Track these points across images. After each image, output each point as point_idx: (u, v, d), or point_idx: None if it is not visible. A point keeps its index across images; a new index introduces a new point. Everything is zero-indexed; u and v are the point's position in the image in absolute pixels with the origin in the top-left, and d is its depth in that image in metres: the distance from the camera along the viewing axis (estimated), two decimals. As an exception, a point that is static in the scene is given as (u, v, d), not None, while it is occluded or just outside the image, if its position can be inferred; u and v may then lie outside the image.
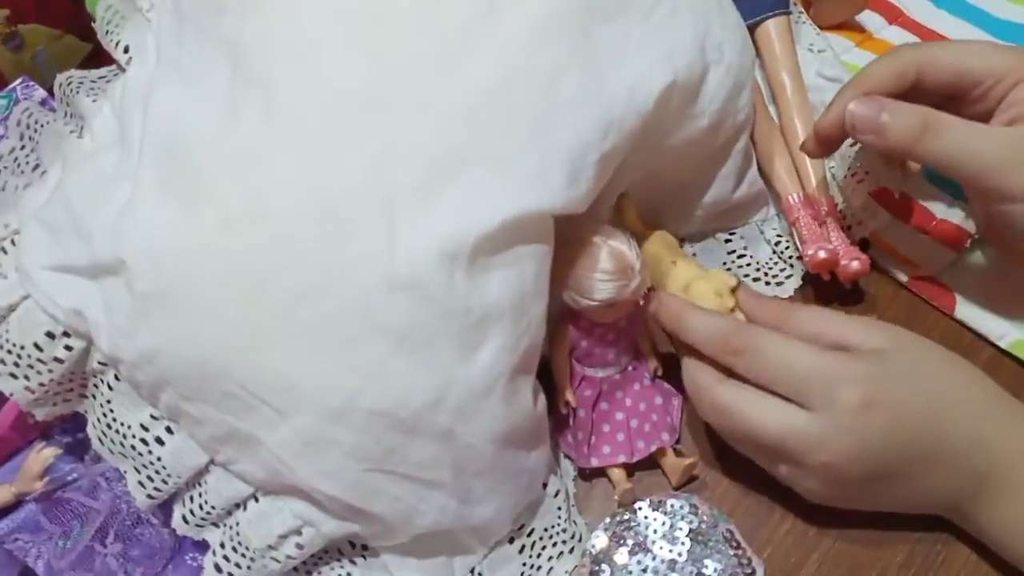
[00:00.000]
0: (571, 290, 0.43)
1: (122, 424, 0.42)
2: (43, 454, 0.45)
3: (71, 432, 0.48)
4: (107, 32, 0.46)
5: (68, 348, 0.41)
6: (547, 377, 0.46)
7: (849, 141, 0.52)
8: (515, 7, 0.40)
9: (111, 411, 0.42)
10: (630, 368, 0.48)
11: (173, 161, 0.39)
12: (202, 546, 0.44)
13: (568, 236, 0.42)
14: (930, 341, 0.42)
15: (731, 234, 0.54)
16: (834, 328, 0.42)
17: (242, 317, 0.38)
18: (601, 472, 0.47)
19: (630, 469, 0.47)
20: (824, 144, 0.47)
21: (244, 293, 0.37)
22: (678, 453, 0.47)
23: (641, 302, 0.46)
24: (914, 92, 0.44)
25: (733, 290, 0.46)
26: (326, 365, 0.37)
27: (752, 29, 0.55)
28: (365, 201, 0.37)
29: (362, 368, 0.37)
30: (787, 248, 0.53)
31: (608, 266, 0.43)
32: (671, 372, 0.47)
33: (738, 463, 0.45)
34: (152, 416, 0.42)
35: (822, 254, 0.49)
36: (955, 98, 0.44)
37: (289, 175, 0.38)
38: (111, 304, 0.40)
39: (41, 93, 0.51)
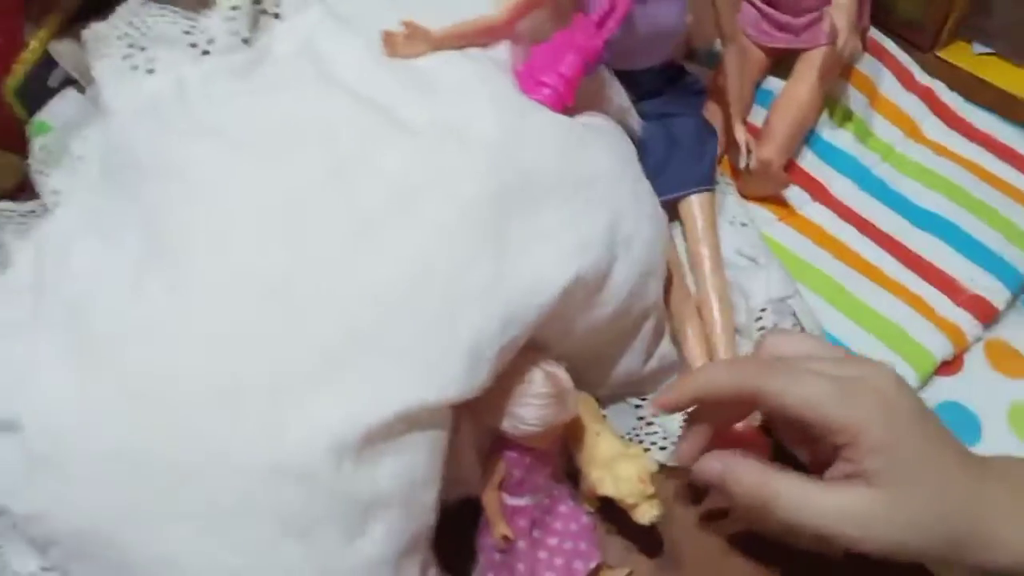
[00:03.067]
0: (511, 418, 0.45)
1: (12, 572, 0.42)
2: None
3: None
4: (39, 172, 0.47)
5: (-39, 495, 0.41)
6: (467, 513, 0.47)
7: (756, 322, 0.54)
8: (434, 196, 0.42)
9: (2, 555, 0.42)
10: (554, 491, 0.49)
11: (77, 324, 0.40)
12: None
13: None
14: None
15: (643, 399, 0.55)
16: None
17: (127, 491, 0.38)
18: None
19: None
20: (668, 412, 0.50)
21: (130, 467, 0.38)
22: (608, 566, 0.49)
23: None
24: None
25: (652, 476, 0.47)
26: (209, 545, 0.38)
27: (676, 201, 0.57)
28: (258, 385, 0.38)
29: (246, 550, 0.38)
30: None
31: (544, 389, 0.44)
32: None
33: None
34: (42, 568, 0.42)
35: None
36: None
37: (186, 353, 0.39)
38: (5, 458, 0.40)
39: (-28, 217, 0.52)
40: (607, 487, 0.47)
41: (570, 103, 0.48)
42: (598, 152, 0.48)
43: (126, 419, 0.38)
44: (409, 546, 0.41)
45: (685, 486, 0.53)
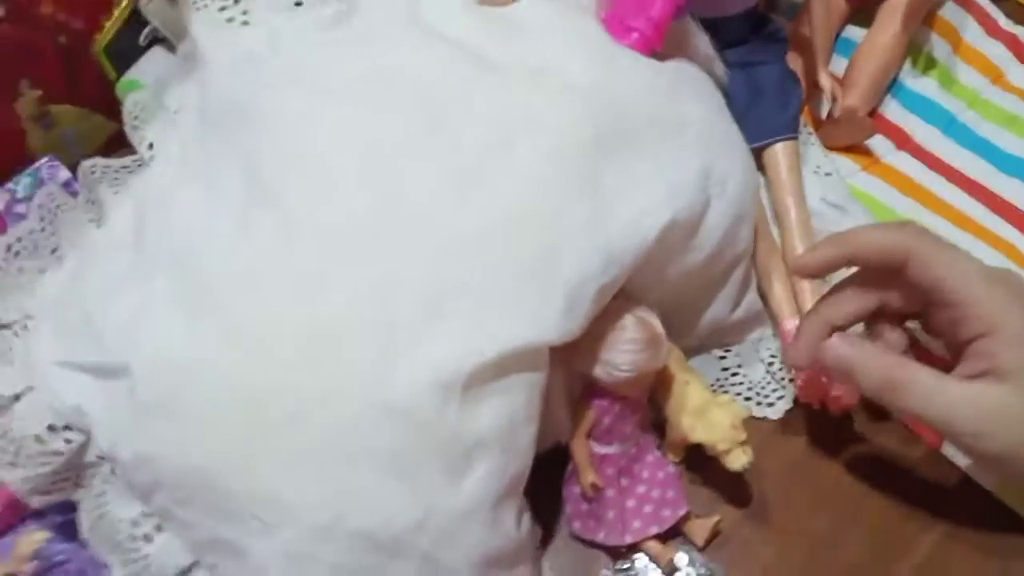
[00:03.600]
0: (604, 364, 0.45)
1: (113, 518, 0.43)
2: (33, 537, 0.46)
3: (63, 512, 0.48)
4: (134, 127, 0.48)
5: (68, 441, 0.43)
6: (554, 460, 0.47)
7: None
8: (529, 139, 0.42)
9: (104, 503, 0.43)
10: (641, 440, 0.49)
11: (185, 272, 0.41)
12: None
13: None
14: None
15: (727, 350, 0.55)
16: None
17: (238, 431, 0.39)
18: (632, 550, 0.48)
19: (662, 539, 0.48)
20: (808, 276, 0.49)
21: (242, 408, 0.39)
22: (696, 515, 0.49)
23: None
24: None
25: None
26: (316, 483, 0.38)
27: (760, 150, 0.57)
28: (365, 326, 0.38)
29: (349, 489, 0.38)
30: (781, 369, 0.54)
31: (638, 335, 0.45)
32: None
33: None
34: (143, 513, 0.43)
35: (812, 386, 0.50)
36: (930, 300, 0.43)
37: (294, 296, 0.39)
38: (113, 405, 0.41)
39: (65, 174, 0.53)
40: (699, 434, 0.47)
41: (659, 48, 0.48)
42: (689, 96, 0.47)
43: (237, 360, 0.39)
44: (508, 489, 0.41)
45: (772, 437, 0.52)
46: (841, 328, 0.46)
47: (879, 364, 0.42)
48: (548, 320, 0.40)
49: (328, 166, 0.41)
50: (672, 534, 0.48)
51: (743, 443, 0.46)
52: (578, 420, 0.47)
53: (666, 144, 0.45)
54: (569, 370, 0.46)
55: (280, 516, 0.39)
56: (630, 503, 0.48)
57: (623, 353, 0.44)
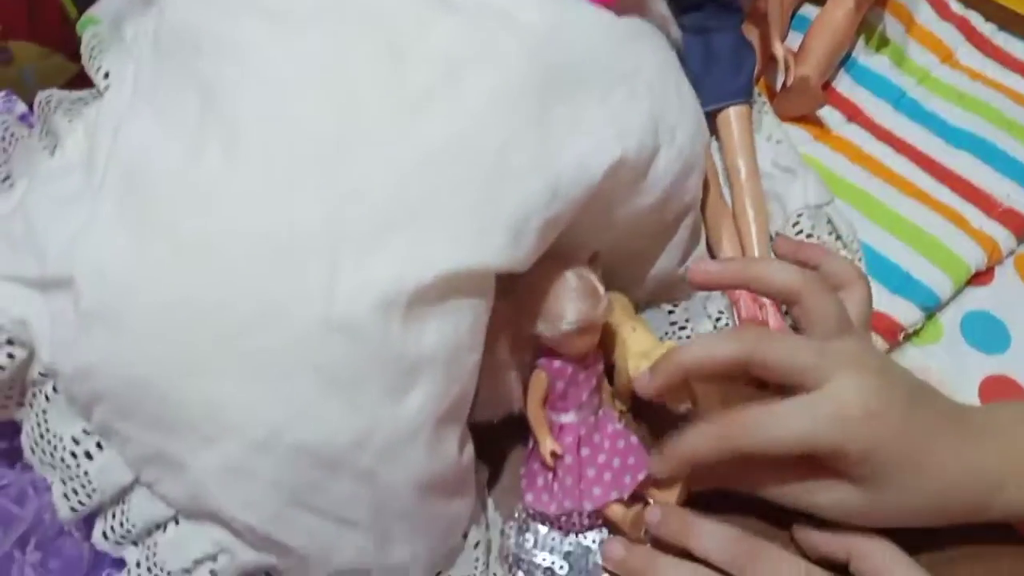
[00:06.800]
0: (548, 318, 0.45)
1: (54, 435, 0.43)
2: (-31, 462, 0.46)
3: (5, 438, 0.48)
4: (91, 57, 0.48)
5: (11, 356, 0.42)
6: (512, 431, 0.48)
7: (793, 227, 0.55)
8: (475, 76, 0.42)
9: (45, 421, 0.43)
10: (600, 412, 0.49)
11: (133, 190, 0.41)
12: (119, 563, 0.44)
13: (534, 278, 0.45)
14: None
15: (675, 305, 0.56)
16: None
17: (179, 342, 0.39)
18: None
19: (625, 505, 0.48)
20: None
21: (184, 319, 0.39)
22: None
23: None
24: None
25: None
26: (256, 397, 0.39)
27: (715, 114, 0.58)
28: (314, 243, 0.39)
29: (291, 403, 0.39)
30: (727, 326, 0.55)
31: (576, 285, 0.45)
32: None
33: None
34: (84, 430, 0.43)
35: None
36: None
37: (243, 214, 0.39)
38: (56, 317, 0.41)
39: (22, 107, 0.53)
40: None
41: (614, 3, 0.48)
42: (642, 48, 0.48)
43: (181, 273, 0.39)
44: (450, 411, 0.41)
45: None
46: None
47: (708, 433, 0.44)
48: (490, 246, 0.40)
49: (282, 91, 0.41)
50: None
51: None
52: (531, 386, 0.47)
53: (617, 89, 0.45)
54: (517, 336, 0.46)
55: (220, 429, 0.39)
56: (589, 472, 0.47)
57: (565, 302, 0.45)
